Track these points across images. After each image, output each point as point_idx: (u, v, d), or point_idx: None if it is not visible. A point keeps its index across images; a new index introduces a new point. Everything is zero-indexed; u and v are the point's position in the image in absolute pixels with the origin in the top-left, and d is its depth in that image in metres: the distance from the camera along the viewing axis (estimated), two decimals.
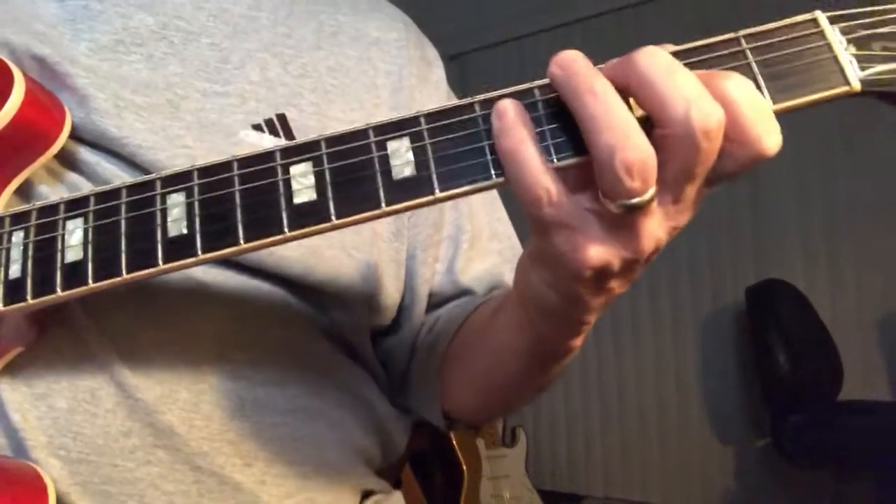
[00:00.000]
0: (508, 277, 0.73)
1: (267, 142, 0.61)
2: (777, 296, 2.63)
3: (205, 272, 0.58)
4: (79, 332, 0.55)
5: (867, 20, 0.41)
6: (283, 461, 0.60)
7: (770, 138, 0.38)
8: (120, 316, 0.56)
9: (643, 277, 2.55)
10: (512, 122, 0.40)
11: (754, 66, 0.40)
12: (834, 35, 0.41)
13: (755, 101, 0.38)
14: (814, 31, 0.41)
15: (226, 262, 0.59)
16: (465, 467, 2.79)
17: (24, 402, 0.53)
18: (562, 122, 0.40)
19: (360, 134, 0.42)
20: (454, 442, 2.80)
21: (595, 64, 0.40)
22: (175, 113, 0.59)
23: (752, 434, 2.91)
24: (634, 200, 0.37)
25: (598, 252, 0.40)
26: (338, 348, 0.66)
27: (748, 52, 0.41)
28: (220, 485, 0.57)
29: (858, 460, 2.34)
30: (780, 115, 0.40)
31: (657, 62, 0.38)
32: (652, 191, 0.38)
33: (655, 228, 0.40)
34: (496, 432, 2.99)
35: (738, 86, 0.38)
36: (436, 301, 0.72)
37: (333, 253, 0.62)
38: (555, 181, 0.39)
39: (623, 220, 0.39)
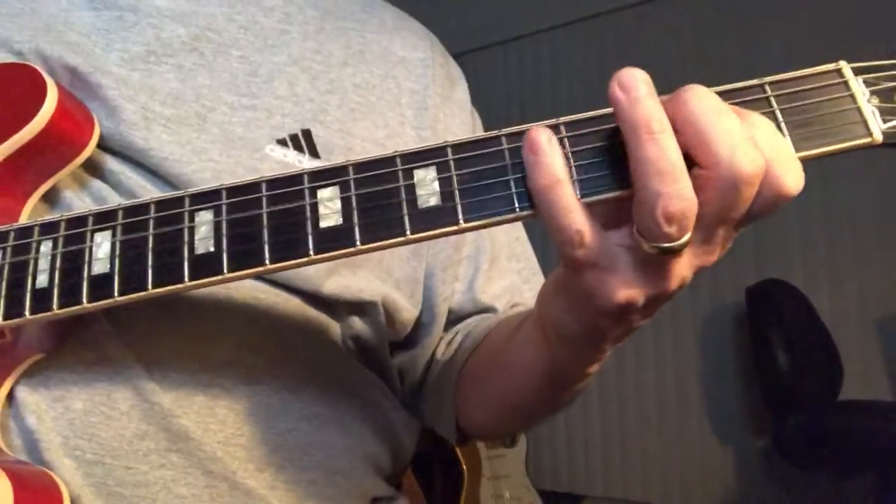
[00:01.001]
0: (528, 296, 0.74)
1: (291, 157, 0.62)
2: (777, 296, 2.63)
3: None
4: (97, 335, 0.56)
5: (891, 72, 0.41)
6: (294, 468, 0.61)
7: (790, 178, 0.39)
8: (138, 320, 0.57)
9: None
10: (547, 160, 0.39)
11: (778, 113, 0.41)
12: (858, 86, 0.41)
13: (776, 141, 0.39)
14: (838, 81, 0.41)
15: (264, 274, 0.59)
16: (465, 467, 2.79)
17: (41, 403, 0.54)
18: (588, 159, 0.40)
19: (387, 161, 0.43)
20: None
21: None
22: (202, 126, 0.60)
23: (752, 434, 2.91)
24: (669, 244, 0.38)
25: (626, 290, 0.40)
26: (353, 355, 0.67)
27: (772, 100, 0.41)
28: (232, 490, 0.57)
29: (858, 460, 2.35)
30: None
31: (706, 103, 0.38)
32: (688, 236, 0.38)
33: (684, 268, 0.41)
34: None
35: (758, 126, 0.39)
36: (454, 318, 0.73)
37: (343, 271, 0.63)
38: (588, 221, 0.39)
39: (654, 259, 0.39)
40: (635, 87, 0.38)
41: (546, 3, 3.40)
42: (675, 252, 0.38)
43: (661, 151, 0.37)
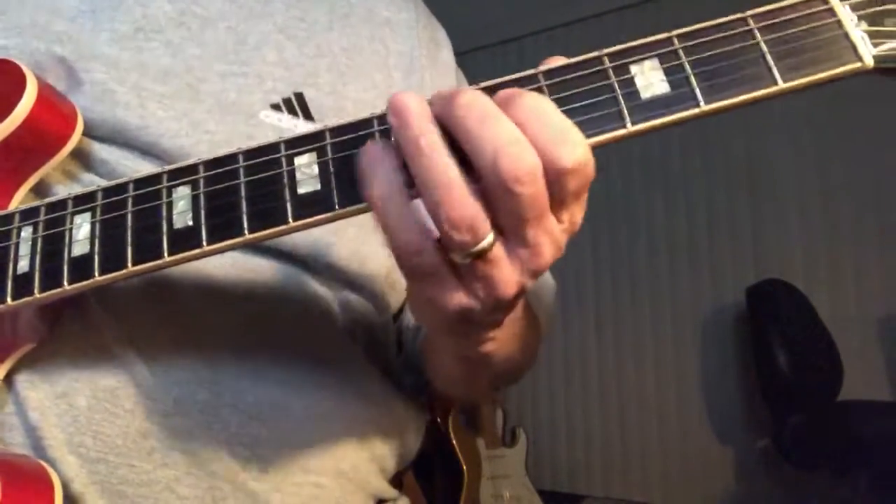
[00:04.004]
0: None
1: (286, 123, 0.62)
2: (777, 296, 2.62)
3: (221, 264, 0.58)
4: (99, 331, 0.55)
5: None
6: (299, 469, 0.60)
7: (565, 153, 0.37)
8: (140, 315, 0.56)
9: (644, 277, 2.53)
10: (377, 170, 0.39)
11: (763, 45, 0.40)
12: (844, 11, 0.40)
13: (543, 121, 0.37)
14: (823, 7, 0.40)
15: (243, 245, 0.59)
16: (465, 467, 2.79)
17: (44, 399, 0.53)
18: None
19: (364, 123, 0.42)
20: (454, 442, 2.80)
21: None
22: (196, 96, 0.60)
23: (752, 434, 2.91)
24: (472, 250, 0.38)
25: (458, 299, 0.40)
26: (358, 346, 0.66)
27: (756, 32, 0.40)
28: (235, 491, 0.56)
29: (858, 460, 2.34)
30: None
31: (471, 111, 0.37)
32: (488, 239, 0.38)
33: (508, 274, 0.40)
34: (496, 432, 2.99)
35: (523, 109, 0.38)
36: None
37: (352, 231, 0.63)
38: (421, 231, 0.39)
39: (471, 267, 0.39)
40: (402, 110, 0.39)
41: (546, 3, 3.41)
42: (482, 256, 0.38)
43: (430, 164, 0.37)
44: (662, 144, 3.14)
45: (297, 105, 0.63)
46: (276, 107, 0.62)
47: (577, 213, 0.41)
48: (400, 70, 0.72)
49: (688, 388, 3.09)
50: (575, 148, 0.37)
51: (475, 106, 0.37)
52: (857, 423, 2.36)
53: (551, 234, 0.40)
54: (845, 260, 2.79)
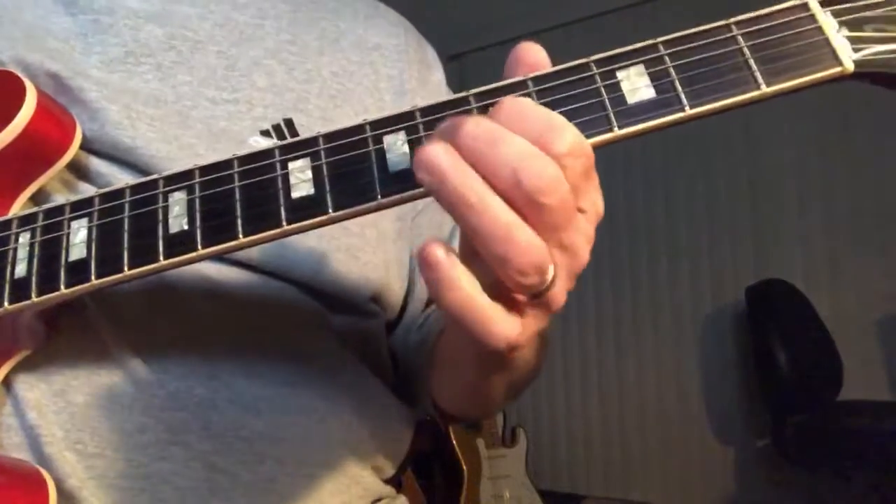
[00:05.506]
0: None
1: None
2: (777, 296, 2.63)
3: (219, 270, 0.59)
4: (96, 330, 0.56)
5: (858, 3, 0.41)
6: (293, 461, 0.60)
7: (557, 144, 0.36)
8: (137, 316, 0.57)
9: (644, 277, 2.52)
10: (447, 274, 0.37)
11: (746, 50, 0.41)
12: (825, 18, 0.41)
13: (528, 123, 0.37)
14: (804, 14, 0.41)
15: (238, 263, 0.60)
16: (465, 467, 2.79)
17: (41, 398, 0.54)
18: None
19: (357, 129, 0.43)
20: (454, 442, 2.81)
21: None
22: (185, 122, 0.60)
23: (752, 434, 2.91)
24: (542, 289, 0.38)
25: (513, 330, 0.39)
26: (350, 349, 0.67)
27: (739, 38, 0.41)
28: (231, 482, 0.57)
29: (858, 460, 2.34)
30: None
31: (479, 136, 0.36)
32: (552, 270, 0.37)
33: (560, 288, 0.40)
34: (496, 432, 2.99)
35: (499, 112, 0.37)
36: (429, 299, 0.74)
37: (340, 256, 0.63)
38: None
39: (535, 301, 0.39)
40: (435, 165, 0.36)
41: (546, 3, 3.41)
42: (547, 292, 0.38)
43: (484, 218, 0.36)
44: (663, 145, 3.14)
45: (286, 131, 0.63)
46: (265, 133, 0.63)
47: (597, 199, 0.41)
48: (390, 93, 0.72)
49: (688, 388, 3.09)
50: (563, 131, 0.37)
51: (482, 129, 0.36)
52: (857, 423, 2.36)
53: (583, 231, 0.40)
54: (845, 260, 2.79)
